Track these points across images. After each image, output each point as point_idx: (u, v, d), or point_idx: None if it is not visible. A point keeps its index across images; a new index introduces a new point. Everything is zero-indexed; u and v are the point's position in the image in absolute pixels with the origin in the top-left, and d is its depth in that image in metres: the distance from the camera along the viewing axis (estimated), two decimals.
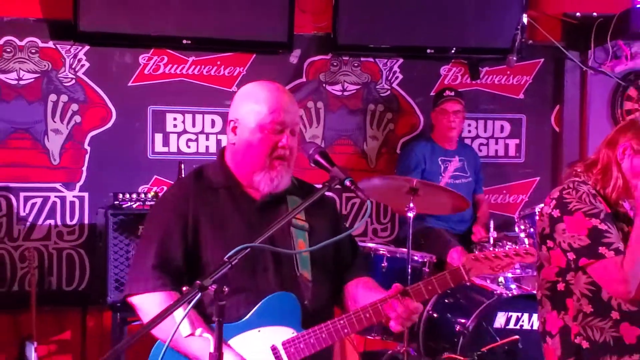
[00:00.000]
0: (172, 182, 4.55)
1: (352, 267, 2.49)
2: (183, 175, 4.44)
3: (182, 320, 1.94)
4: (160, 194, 4.29)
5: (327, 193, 2.26)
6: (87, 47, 4.65)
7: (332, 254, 2.43)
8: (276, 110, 2.28)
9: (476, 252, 2.37)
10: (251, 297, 2.26)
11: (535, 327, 3.74)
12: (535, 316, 3.74)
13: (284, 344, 2.21)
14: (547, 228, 2.83)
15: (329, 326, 2.21)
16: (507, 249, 2.34)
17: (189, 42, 4.71)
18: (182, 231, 2.29)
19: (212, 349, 1.88)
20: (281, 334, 2.23)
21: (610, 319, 2.76)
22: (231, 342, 2.21)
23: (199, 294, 1.84)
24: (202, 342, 2.12)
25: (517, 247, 2.37)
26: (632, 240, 2.69)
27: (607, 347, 2.77)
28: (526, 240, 2.33)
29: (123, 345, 2.05)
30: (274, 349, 2.21)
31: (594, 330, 2.78)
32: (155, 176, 4.77)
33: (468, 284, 4.07)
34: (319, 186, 2.18)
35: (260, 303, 2.24)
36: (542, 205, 2.99)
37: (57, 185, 4.67)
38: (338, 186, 2.18)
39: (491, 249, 2.32)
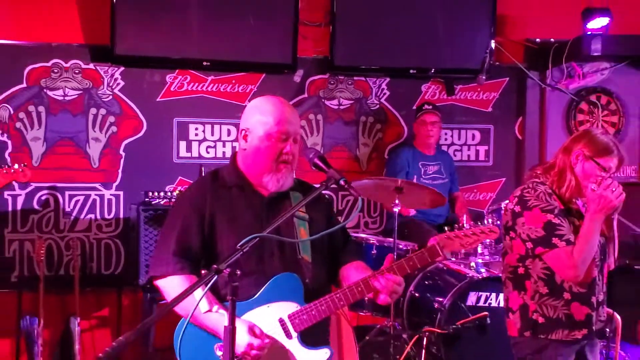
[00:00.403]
0: (189, 185, 4.69)
1: (344, 252, 2.48)
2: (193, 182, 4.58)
3: (201, 298, 1.97)
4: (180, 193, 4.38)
5: (323, 191, 2.26)
6: (122, 68, 4.72)
7: (327, 241, 2.41)
8: (281, 122, 2.28)
9: (449, 231, 2.36)
10: (260, 278, 2.25)
11: (501, 304, 3.67)
12: (501, 295, 3.68)
13: (289, 316, 2.23)
14: (510, 221, 2.86)
15: (327, 300, 2.22)
16: (473, 228, 2.35)
17: (208, 63, 4.76)
18: (200, 224, 2.28)
19: (226, 323, 1.90)
20: (287, 308, 2.24)
21: (562, 299, 2.81)
22: (244, 317, 2.21)
23: (216, 276, 1.87)
24: (219, 317, 2.14)
25: (482, 226, 2.36)
26: (582, 233, 2.73)
27: (559, 322, 2.81)
28: (490, 220, 2.36)
29: (151, 320, 2.08)
30: (281, 321, 2.23)
31: (548, 308, 2.82)
32: (179, 177, 4.82)
33: (444, 267, 4.16)
34: (318, 185, 2.20)
35: (268, 283, 2.24)
36: (506, 202, 3.01)
37: (97, 185, 4.74)
38: (334, 185, 2.20)
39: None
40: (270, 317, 2.23)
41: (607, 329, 3.97)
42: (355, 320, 4.28)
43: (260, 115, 2.32)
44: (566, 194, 2.87)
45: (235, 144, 4.91)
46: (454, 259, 4.22)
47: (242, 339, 2.13)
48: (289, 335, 2.23)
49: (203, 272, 1.97)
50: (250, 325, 2.17)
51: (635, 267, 4.89)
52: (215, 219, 2.30)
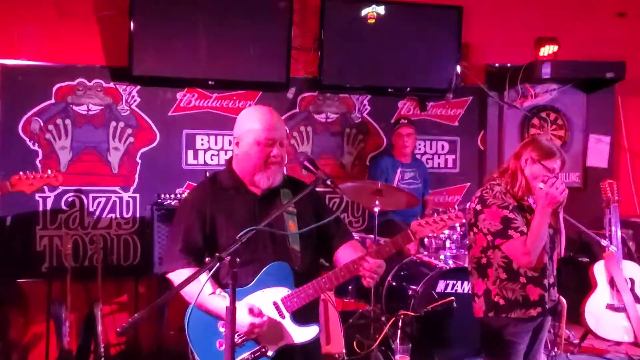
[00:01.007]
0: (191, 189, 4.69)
1: (337, 237, 2.43)
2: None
3: (206, 281, 2.00)
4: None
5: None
6: (138, 87, 4.70)
7: (316, 231, 2.36)
8: (267, 129, 2.25)
9: (420, 219, 2.32)
10: (255, 267, 2.23)
11: (465, 291, 3.80)
12: (465, 283, 3.81)
13: (282, 299, 2.22)
14: (473, 218, 2.90)
15: (315, 284, 2.21)
16: (441, 215, 2.33)
17: (213, 83, 4.75)
18: (202, 223, 2.26)
19: (228, 304, 1.92)
20: (279, 292, 2.23)
21: (519, 283, 2.84)
22: (243, 301, 2.19)
23: (218, 263, 1.90)
24: (221, 300, 2.14)
25: (448, 213, 2.33)
26: (533, 225, 2.77)
27: (517, 303, 2.84)
28: (456, 207, 2.34)
29: (161, 300, 2.08)
30: (275, 304, 2.22)
31: (507, 291, 2.85)
32: (187, 182, 4.78)
33: (417, 260, 4.18)
34: (307, 181, 2.24)
35: (262, 271, 2.23)
36: (469, 204, 3.03)
37: (117, 189, 4.71)
38: (322, 184, 2.21)
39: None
40: (266, 300, 2.22)
41: (557, 311, 4.04)
42: (340, 306, 4.22)
43: (249, 124, 2.30)
44: (518, 192, 2.90)
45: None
46: (426, 253, 4.23)
47: (244, 319, 2.12)
48: (282, 316, 2.22)
49: (207, 259, 1.97)
50: (250, 307, 2.15)
51: (579, 258, 4.94)
52: (215, 218, 2.28)
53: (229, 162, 2.41)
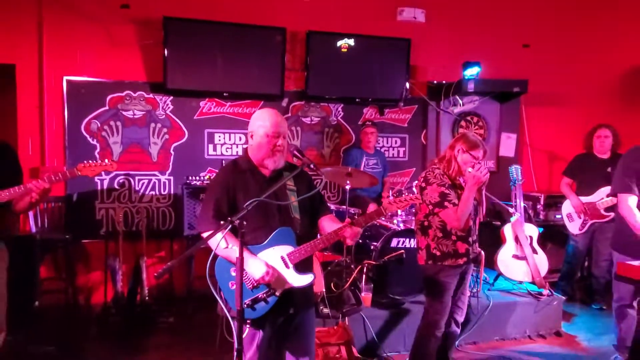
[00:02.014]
0: (218, 171, 4.68)
1: (320, 210, 2.42)
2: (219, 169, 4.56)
3: (221, 239, 2.00)
4: (213, 175, 4.37)
5: (307, 171, 2.32)
6: (171, 97, 4.66)
7: (309, 204, 2.36)
8: (274, 125, 2.24)
9: (389, 199, 2.32)
10: (267, 230, 2.21)
11: (412, 246, 3.80)
12: (412, 240, 3.81)
13: (287, 254, 2.20)
14: (419, 193, 2.89)
15: (311, 244, 2.21)
16: (405, 196, 2.32)
17: (227, 94, 4.72)
18: (227, 196, 2.24)
19: (237, 254, 1.94)
20: (285, 249, 2.21)
21: (451, 240, 2.89)
22: (259, 255, 2.19)
23: (230, 225, 1.93)
24: (233, 252, 2.09)
25: (411, 195, 2.34)
26: (462, 199, 2.79)
27: (449, 254, 2.89)
28: (414, 190, 2.36)
29: (188, 252, 2.04)
30: (282, 258, 2.20)
31: (442, 245, 2.89)
32: (209, 168, 4.77)
33: (377, 224, 4.12)
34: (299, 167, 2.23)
35: (272, 234, 2.21)
36: (416, 182, 3.04)
37: (156, 173, 4.69)
38: (307, 168, 2.25)
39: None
40: (275, 255, 2.21)
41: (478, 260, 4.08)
42: (322, 258, 4.21)
43: (260, 121, 2.28)
44: (452, 174, 2.92)
45: (244, 146, 4.84)
46: (383, 219, 4.24)
47: (260, 269, 2.13)
48: (287, 266, 2.21)
49: (222, 223, 1.97)
50: (266, 263, 2.16)
51: (493, 222, 4.99)
52: (235, 192, 2.24)
53: (245, 150, 2.37)
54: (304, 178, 2.34)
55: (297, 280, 2.20)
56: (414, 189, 3.16)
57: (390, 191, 4.41)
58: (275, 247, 2.21)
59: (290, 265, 2.20)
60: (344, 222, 2.24)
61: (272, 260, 2.20)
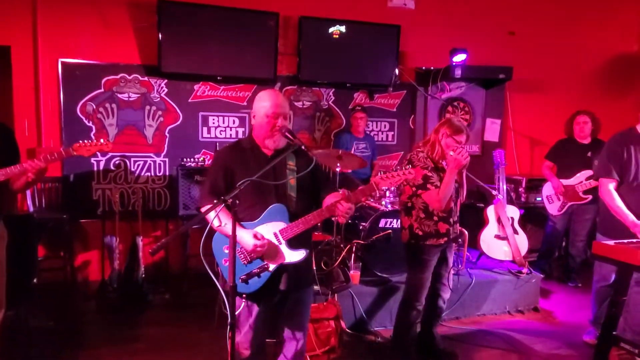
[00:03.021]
0: (213, 153, 4.60)
1: (325, 189, 2.36)
2: (218, 149, 4.49)
3: (214, 218, 2.03)
4: (208, 157, 4.40)
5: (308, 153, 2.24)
6: (166, 80, 4.57)
7: (310, 183, 2.30)
8: (274, 106, 2.20)
9: (381, 174, 2.17)
10: (262, 207, 2.19)
11: (399, 226, 3.73)
12: (399, 221, 3.77)
13: (280, 230, 2.18)
14: None
15: (304, 220, 2.16)
16: (398, 171, 2.18)
17: (221, 78, 4.65)
18: (224, 174, 2.21)
19: (229, 232, 1.94)
20: (278, 225, 2.18)
21: (432, 220, 2.90)
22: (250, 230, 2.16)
23: (223, 204, 1.93)
24: (227, 230, 2.06)
25: (404, 170, 2.18)
26: (444, 181, 2.80)
27: (431, 234, 2.90)
28: (409, 166, 2.18)
29: (184, 227, 2.04)
30: (275, 234, 2.18)
31: (424, 226, 2.90)
32: (203, 150, 4.73)
33: (366, 205, 4.10)
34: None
35: (267, 210, 2.18)
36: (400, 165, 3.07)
37: (151, 155, 4.63)
38: (300, 149, 2.20)
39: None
40: (268, 231, 2.18)
41: (460, 240, 4.13)
42: (312, 237, 4.24)
43: (262, 102, 2.24)
44: (436, 157, 2.91)
45: (238, 129, 4.86)
46: (372, 200, 4.24)
47: (249, 241, 2.11)
48: (279, 242, 2.18)
49: (215, 201, 1.94)
50: (254, 233, 2.13)
51: (477, 204, 5.03)
52: (234, 170, 2.21)
53: (250, 130, 2.34)
54: (305, 158, 2.28)
55: (290, 255, 2.18)
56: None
57: (380, 173, 4.41)
58: (268, 224, 2.19)
59: (283, 241, 2.18)
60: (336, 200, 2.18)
61: (265, 235, 2.17)
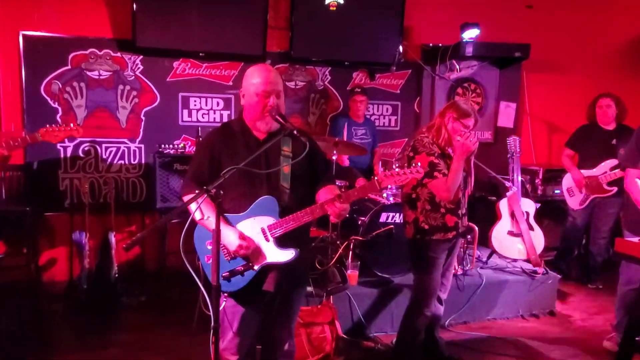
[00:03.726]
0: (194, 139, 4.57)
1: (323, 179, 2.36)
2: (200, 135, 4.45)
3: (195, 210, 2.01)
4: (198, 140, 4.39)
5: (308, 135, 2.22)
6: (141, 57, 4.54)
7: (308, 172, 2.29)
8: (265, 84, 2.18)
9: (386, 171, 2.15)
10: (250, 199, 2.17)
11: (401, 220, 3.75)
12: (401, 215, 3.70)
13: (268, 227, 2.17)
14: (406, 163, 2.84)
15: (295, 216, 2.15)
16: (405, 169, 2.15)
17: (203, 54, 4.62)
18: (210, 159, 2.21)
19: (213, 227, 1.93)
20: (266, 220, 2.17)
21: (440, 213, 2.91)
22: (237, 225, 2.17)
23: (205, 195, 1.91)
24: (210, 223, 2.06)
25: (411, 167, 2.15)
26: (452, 169, 2.80)
27: (438, 228, 2.91)
28: (418, 163, 2.11)
29: (162, 221, 2.02)
30: (262, 230, 2.17)
31: (431, 219, 2.91)
32: (183, 135, 4.72)
33: (365, 197, 4.14)
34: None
35: (254, 202, 2.17)
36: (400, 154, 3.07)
37: (125, 140, 4.61)
38: (293, 133, 2.17)
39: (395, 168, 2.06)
40: (255, 226, 2.17)
41: (469, 236, 4.16)
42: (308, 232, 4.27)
43: (251, 79, 2.22)
44: (442, 143, 2.93)
45: (223, 112, 4.85)
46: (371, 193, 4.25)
47: (234, 241, 2.11)
48: (267, 239, 2.18)
49: (197, 191, 1.93)
50: (241, 234, 2.13)
51: (489, 197, 5.06)
52: (221, 155, 2.21)
53: (241, 111, 2.32)
54: (303, 144, 2.21)
55: (277, 255, 2.17)
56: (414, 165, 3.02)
57: (380, 162, 4.42)
58: (255, 218, 2.18)
59: (271, 239, 2.17)
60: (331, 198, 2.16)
61: (250, 231, 2.18)
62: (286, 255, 2.18)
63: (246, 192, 2.18)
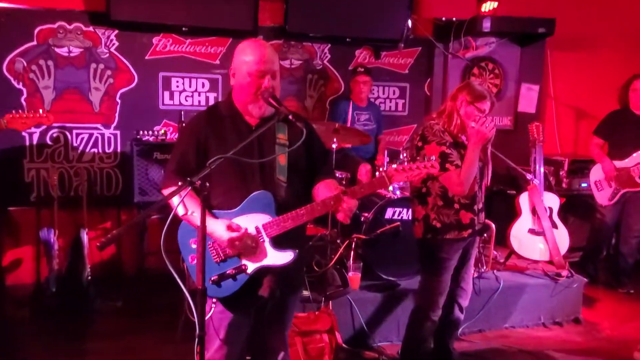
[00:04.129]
0: (176, 125, 4.59)
1: (321, 172, 2.33)
2: (183, 120, 4.46)
3: (178, 205, 1.98)
4: (180, 126, 4.41)
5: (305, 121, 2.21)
6: (116, 31, 4.53)
7: (305, 163, 2.27)
8: (259, 62, 2.14)
9: (396, 165, 2.12)
10: (243, 193, 2.15)
11: (410, 217, 3.67)
12: (409, 211, 3.71)
13: (263, 225, 2.14)
14: (415, 154, 2.93)
15: (294, 214, 2.11)
16: (418, 163, 2.12)
17: (187, 29, 4.60)
18: (196, 147, 2.18)
19: (198, 223, 1.89)
20: (262, 218, 2.14)
21: (453, 209, 2.92)
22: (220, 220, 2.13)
23: (189, 187, 1.89)
24: (195, 219, 2.03)
25: (425, 162, 2.12)
26: (466, 159, 2.81)
27: (451, 225, 2.92)
28: (433, 157, 2.08)
29: (141, 216, 2.00)
30: (257, 228, 2.14)
31: (443, 215, 2.92)
32: (164, 120, 4.72)
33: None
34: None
35: (248, 198, 2.15)
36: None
37: (98, 126, 4.61)
38: (288, 119, 2.13)
39: (404, 160, 2.00)
40: (248, 224, 2.14)
41: (486, 234, 4.17)
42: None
43: (243, 56, 2.18)
44: (454, 130, 2.93)
45: (209, 94, 4.84)
46: None
47: (223, 234, 2.09)
48: (262, 239, 2.15)
49: (180, 183, 1.92)
50: (227, 224, 2.09)
51: (507, 191, 5.08)
52: (208, 143, 2.17)
53: (230, 93, 2.29)
54: (299, 130, 2.18)
55: (274, 257, 2.16)
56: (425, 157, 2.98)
57: (386, 152, 4.43)
58: (248, 215, 2.15)
59: (266, 239, 2.15)
60: (336, 192, 2.13)
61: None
62: (284, 257, 2.16)
63: (237, 185, 2.16)
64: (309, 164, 2.30)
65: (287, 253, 2.16)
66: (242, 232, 2.12)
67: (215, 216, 2.16)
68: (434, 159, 2.13)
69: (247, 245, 2.13)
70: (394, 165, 2.13)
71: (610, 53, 5.77)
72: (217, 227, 2.11)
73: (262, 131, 2.15)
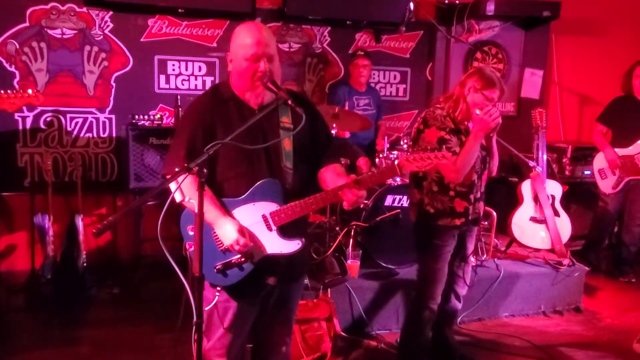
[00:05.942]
0: (172, 109, 4.59)
1: (325, 155, 2.28)
2: (179, 104, 4.46)
3: (175, 190, 1.96)
4: (166, 114, 4.41)
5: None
6: (111, 13, 4.51)
7: (310, 146, 2.24)
8: (254, 45, 2.10)
9: (408, 154, 2.11)
10: (249, 180, 2.12)
11: (409, 205, 3.88)
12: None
13: (270, 214, 2.12)
14: (415, 137, 2.93)
15: (302, 203, 2.10)
16: (429, 153, 2.09)
17: (183, 10, 4.58)
18: (203, 131, 2.13)
19: (196, 210, 1.89)
20: (269, 207, 2.12)
21: (448, 195, 2.92)
22: (234, 212, 2.12)
23: (187, 173, 1.86)
24: (192, 206, 2.02)
25: (437, 152, 2.09)
26: (464, 148, 2.81)
27: (444, 212, 2.93)
28: (444, 147, 2.05)
29: (139, 202, 1.99)
30: (264, 217, 2.12)
31: (437, 202, 2.93)
32: (160, 104, 4.71)
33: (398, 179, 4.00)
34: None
35: (254, 185, 2.12)
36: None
37: (93, 110, 4.61)
38: (285, 103, 2.11)
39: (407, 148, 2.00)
40: (255, 213, 2.13)
41: (486, 222, 4.18)
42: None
43: (239, 40, 2.15)
44: (458, 116, 2.93)
45: (205, 78, 4.84)
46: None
47: (232, 235, 2.06)
48: (269, 228, 2.14)
49: (176, 169, 1.91)
50: (240, 227, 2.08)
51: (509, 178, 5.09)
52: (214, 127, 2.14)
53: (228, 77, 2.26)
54: (304, 112, 2.13)
55: (281, 246, 2.15)
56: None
57: (386, 138, 4.42)
58: (255, 204, 2.13)
59: (274, 228, 2.14)
60: (347, 179, 2.10)
61: (250, 219, 2.14)
62: (291, 246, 2.16)
63: (244, 172, 2.14)
64: (314, 146, 2.27)
65: (294, 242, 2.16)
66: (248, 241, 2.09)
67: (226, 207, 2.14)
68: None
69: (248, 249, 2.11)
70: (406, 154, 2.12)
71: (616, 38, 5.76)
72: (227, 226, 2.08)
73: (266, 114, 2.12)
